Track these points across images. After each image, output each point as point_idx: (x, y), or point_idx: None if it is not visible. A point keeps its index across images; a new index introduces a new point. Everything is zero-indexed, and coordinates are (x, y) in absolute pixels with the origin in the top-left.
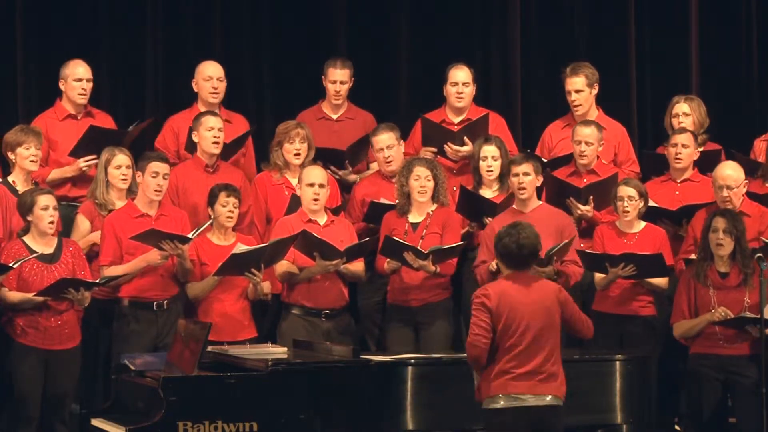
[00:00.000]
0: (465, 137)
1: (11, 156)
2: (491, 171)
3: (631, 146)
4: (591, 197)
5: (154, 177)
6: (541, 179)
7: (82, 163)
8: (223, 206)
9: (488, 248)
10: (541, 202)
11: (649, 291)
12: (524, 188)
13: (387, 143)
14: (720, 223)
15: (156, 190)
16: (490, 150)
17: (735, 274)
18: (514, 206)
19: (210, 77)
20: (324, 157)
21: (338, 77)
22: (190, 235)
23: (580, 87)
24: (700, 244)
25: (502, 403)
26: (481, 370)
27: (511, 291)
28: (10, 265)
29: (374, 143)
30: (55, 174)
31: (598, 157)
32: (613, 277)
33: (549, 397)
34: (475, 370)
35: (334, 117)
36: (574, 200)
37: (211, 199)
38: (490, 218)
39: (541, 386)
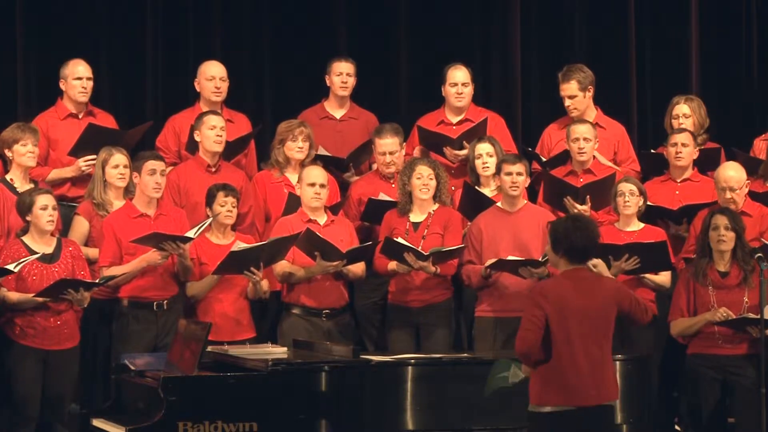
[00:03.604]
0: (464, 142)
1: (8, 153)
2: (487, 167)
3: (630, 145)
4: (588, 197)
5: (151, 175)
6: (529, 180)
7: (82, 162)
8: (222, 206)
9: (474, 248)
10: (526, 202)
11: (650, 290)
12: (517, 187)
13: (390, 148)
14: (721, 220)
15: (154, 188)
16: (484, 147)
17: (735, 274)
18: (498, 205)
19: (212, 77)
20: (326, 163)
21: (344, 69)
22: (191, 235)
23: (573, 92)
24: (698, 243)
25: (548, 408)
26: (532, 366)
27: (569, 294)
28: (11, 269)
29: (378, 145)
30: (54, 174)
31: (594, 156)
32: (615, 271)
33: (602, 403)
34: (525, 364)
35: (338, 116)
36: (571, 200)
37: (209, 199)
38: None
39: (594, 394)
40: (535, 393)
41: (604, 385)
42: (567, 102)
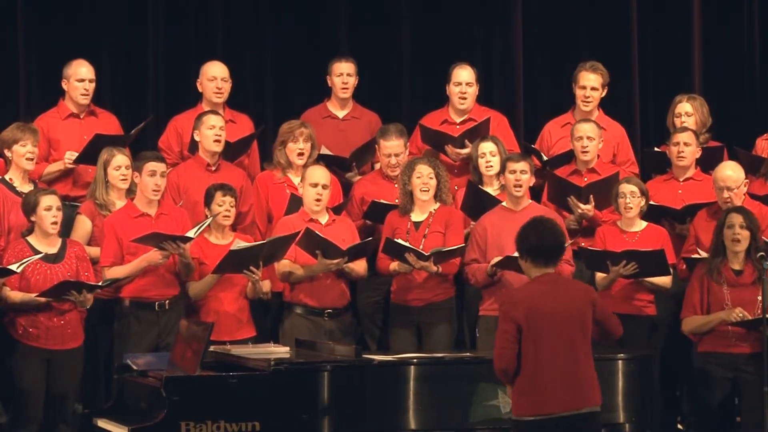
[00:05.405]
0: (466, 140)
1: (8, 153)
2: (491, 166)
3: (630, 147)
4: (592, 196)
5: (151, 176)
6: (533, 179)
7: (67, 158)
8: (220, 205)
9: (478, 246)
10: (531, 201)
11: (650, 290)
12: (521, 186)
13: (395, 151)
14: (736, 218)
15: (154, 190)
16: (487, 146)
17: (749, 272)
18: (503, 204)
19: (214, 77)
20: (328, 162)
21: (344, 70)
22: (192, 234)
23: (597, 85)
24: (712, 242)
25: (530, 417)
26: (511, 382)
27: (539, 298)
28: (14, 269)
29: (382, 147)
30: (46, 170)
31: (598, 156)
32: (614, 276)
33: (584, 409)
34: (505, 382)
35: (340, 116)
36: (574, 199)
37: (208, 199)
38: None
39: (575, 400)
40: (515, 406)
41: (584, 390)
42: (587, 93)
